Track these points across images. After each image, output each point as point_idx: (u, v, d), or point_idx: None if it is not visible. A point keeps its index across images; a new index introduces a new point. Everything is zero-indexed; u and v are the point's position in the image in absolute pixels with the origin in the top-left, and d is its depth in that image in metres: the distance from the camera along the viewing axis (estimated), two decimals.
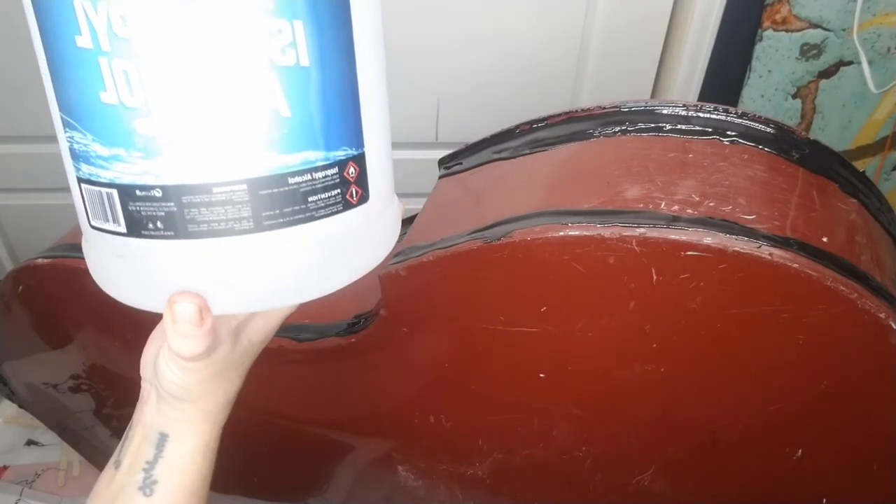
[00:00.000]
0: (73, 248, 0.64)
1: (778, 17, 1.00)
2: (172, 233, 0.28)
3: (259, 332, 0.36)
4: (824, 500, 0.56)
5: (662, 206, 0.47)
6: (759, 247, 0.44)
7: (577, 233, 0.47)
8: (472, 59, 1.03)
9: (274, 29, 0.27)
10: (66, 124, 0.29)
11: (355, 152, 0.31)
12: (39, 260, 0.64)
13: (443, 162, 0.65)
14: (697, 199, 0.48)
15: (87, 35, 0.26)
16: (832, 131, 1.13)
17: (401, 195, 0.37)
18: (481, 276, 0.51)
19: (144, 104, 0.27)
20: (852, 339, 0.46)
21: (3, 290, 0.69)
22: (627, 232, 0.46)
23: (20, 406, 0.86)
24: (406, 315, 0.56)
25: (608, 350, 0.52)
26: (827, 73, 1.06)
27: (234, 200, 0.28)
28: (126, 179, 0.28)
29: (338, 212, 0.30)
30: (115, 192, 0.28)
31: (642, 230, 0.45)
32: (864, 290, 0.45)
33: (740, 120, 0.53)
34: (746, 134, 0.53)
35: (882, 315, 0.45)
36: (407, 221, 0.60)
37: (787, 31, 1.01)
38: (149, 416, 0.36)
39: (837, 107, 1.10)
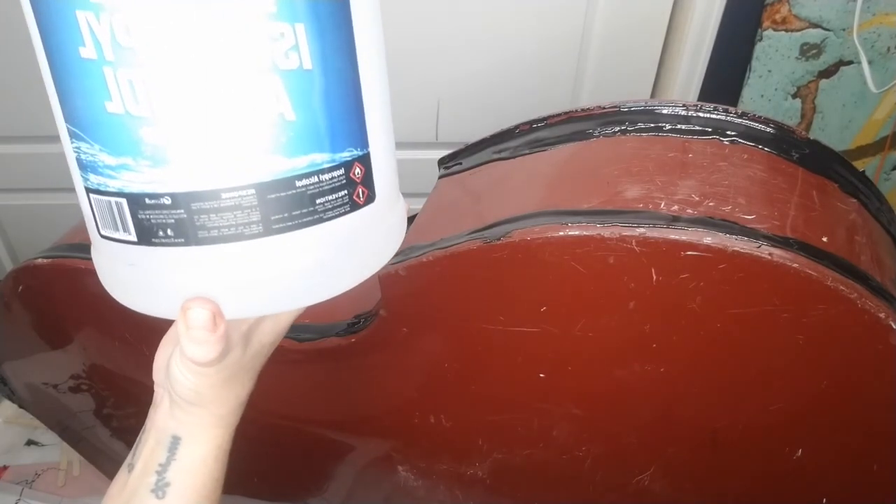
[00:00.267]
0: (73, 248, 0.64)
1: (778, 16, 1.00)
2: (183, 240, 0.28)
3: (269, 335, 0.36)
4: (824, 500, 0.56)
5: (662, 206, 0.47)
6: (759, 247, 0.44)
7: (577, 233, 0.47)
8: (472, 59, 1.03)
9: (276, 33, 0.27)
10: (72, 135, 0.29)
11: (360, 153, 0.31)
12: (39, 260, 0.64)
13: (443, 162, 0.65)
14: (697, 198, 0.48)
15: (90, 46, 0.26)
16: (832, 131, 1.13)
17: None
18: (481, 276, 0.51)
19: (150, 113, 0.27)
20: (852, 339, 0.46)
21: (3, 290, 0.69)
22: (627, 232, 0.46)
23: (20, 406, 0.86)
24: (406, 315, 0.56)
25: (608, 350, 0.52)
26: (827, 73, 1.06)
27: (242, 205, 0.28)
28: (135, 188, 0.28)
29: (345, 213, 0.31)
30: (124, 202, 0.28)
31: (642, 230, 0.45)
32: (864, 290, 0.45)
33: (740, 120, 0.53)
34: (746, 134, 0.53)
35: (882, 315, 0.45)
36: (407, 221, 0.60)
37: (786, 30, 1.01)
38: (161, 419, 0.36)
39: (837, 107, 1.10)
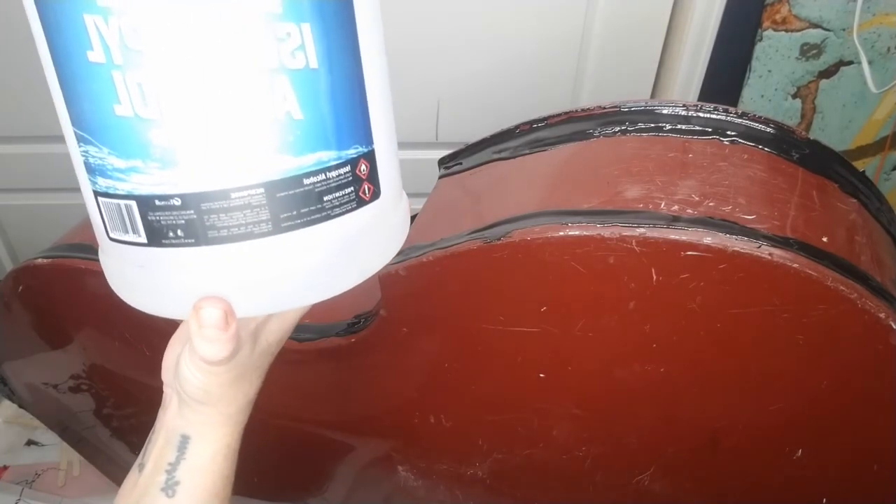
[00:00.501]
0: (73, 248, 0.64)
1: (778, 17, 1.00)
2: (193, 240, 0.29)
3: (275, 333, 0.37)
4: (824, 500, 0.56)
5: (662, 206, 0.47)
6: (759, 247, 0.44)
7: (577, 233, 0.47)
8: (472, 59, 1.03)
9: (283, 33, 0.27)
10: (79, 139, 0.29)
11: (366, 149, 0.31)
12: (39, 260, 0.64)
13: (443, 162, 0.65)
14: (697, 199, 0.48)
15: (98, 49, 0.26)
16: (832, 131, 1.13)
17: None
18: (481, 276, 0.51)
19: (160, 115, 0.27)
20: (852, 339, 0.46)
21: (3, 290, 0.69)
22: (627, 232, 0.46)
23: (20, 406, 0.86)
24: (406, 315, 0.56)
25: (608, 350, 0.52)
26: (827, 73, 1.06)
27: (252, 204, 0.28)
28: (144, 190, 0.28)
29: (352, 209, 0.31)
30: (133, 204, 0.29)
31: (642, 230, 0.45)
32: (864, 290, 0.45)
33: (740, 120, 0.53)
34: (746, 134, 0.53)
35: (882, 315, 0.45)
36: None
37: (787, 31, 1.01)
38: (170, 419, 0.36)
39: (837, 107, 1.10)
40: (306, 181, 0.29)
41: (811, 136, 0.54)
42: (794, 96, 1.08)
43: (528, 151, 0.58)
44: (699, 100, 0.92)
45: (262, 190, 0.28)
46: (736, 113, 0.53)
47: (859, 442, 0.53)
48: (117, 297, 0.33)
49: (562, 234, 0.47)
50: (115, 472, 0.91)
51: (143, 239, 0.29)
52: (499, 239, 0.49)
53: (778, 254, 0.44)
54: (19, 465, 1.10)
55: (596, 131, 0.56)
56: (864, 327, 0.45)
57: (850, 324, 0.45)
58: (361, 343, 0.59)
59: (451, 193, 0.61)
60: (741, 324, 0.47)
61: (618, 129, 0.55)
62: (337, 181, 0.30)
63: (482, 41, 1.01)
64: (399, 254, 0.54)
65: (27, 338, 0.75)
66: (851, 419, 0.51)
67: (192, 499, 0.36)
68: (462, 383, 0.59)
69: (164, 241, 0.29)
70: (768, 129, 0.53)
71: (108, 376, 0.74)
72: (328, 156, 0.29)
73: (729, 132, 0.53)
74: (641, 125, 0.54)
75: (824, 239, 0.47)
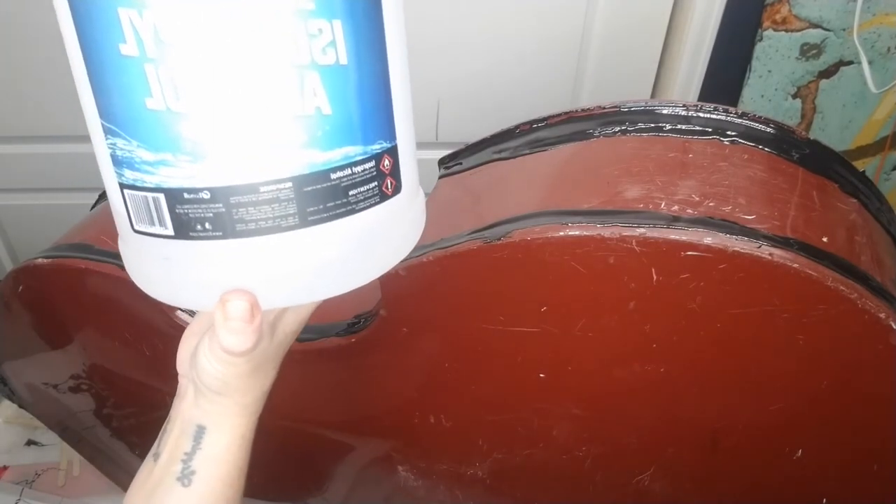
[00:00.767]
0: (73, 248, 0.64)
1: (778, 17, 1.00)
2: (221, 233, 0.29)
3: (292, 325, 0.37)
4: (824, 500, 0.56)
5: (662, 206, 0.47)
6: (759, 247, 0.44)
7: (577, 233, 0.47)
8: (472, 59, 1.03)
9: (315, 29, 0.27)
10: (107, 131, 0.29)
11: (389, 145, 0.32)
12: (39, 260, 0.64)
13: (443, 162, 0.65)
14: (697, 199, 0.48)
15: (132, 43, 0.26)
16: (832, 131, 1.13)
17: None
18: (481, 276, 0.51)
19: (192, 109, 0.27)
20: (852, 339, 0.46)
21: (3, 290, 0.69)
22: (627, 232, 0.46)
23: (20, 406, 0.86)
24: (406, 315, 0.56)
25: (608, 350, 0.52)
26: (827, 73, 1.06)
27: (280, 198, 0.29)
28: (173, 183, 0.28)
29: (376, 203, 0.31)
30: (161, 196, 0.29)
31: (642, 230, 0.45)
32: (864, 290, 0.45)
33: (740, 120, 0.53)
34: (746, 134, 0.53)
35: (882, 315, 0.45)
36: None
37: (787, 31, 1.01)
38: (187, 410, 0.37)
39: (837, 107, 1.10)
40: (333, 175, 0.29)
41: (811, 136, 0.54)
42: (794, 96, 1.08)
43: (528, 151, 0.58)
44: (699, 100, 0.92)
45: (290, 184, 0.29)
46: (736, 113, 0.53)
47: (859, 442, 0.53)
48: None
49: (562, 234, 0.47)
50: (115, 472, 0.91)
51: (171, 231, 0.29)
52: (499, 239, 0.49)
53: (778, 254, 0.44)
54: (19, 465, 1.10)
55: (596, 131, 0.56)
56: (864, 327, 0.45)
57: (850, 324, 0.45)
58: (361, 343, 0.59)
59: (451, 193, 0.61)
60: (741, 324, 0.47)
61: (618, 129, 0.55)
62: (362, 176, 0.30)
63: (482, 41, 1.01)
64: None
65: (27, 338, 0.75)
66: (851, 419, 0.51)
67: (207, 488, 0.36)
68: (462, 383, 0.59)
69: (191, 233, 0.29)
70: (768, 129, 0.53)
71: (108, 376, 0.74)
72: (354, 151, 0.30)
73: (729, 132, 0.53)
74: (641, 125, 0.54)
75: (824, 239, 0.47)
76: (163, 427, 0.38)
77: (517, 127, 0.60)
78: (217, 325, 0.31)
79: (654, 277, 0.47)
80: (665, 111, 0.54)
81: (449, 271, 0.52)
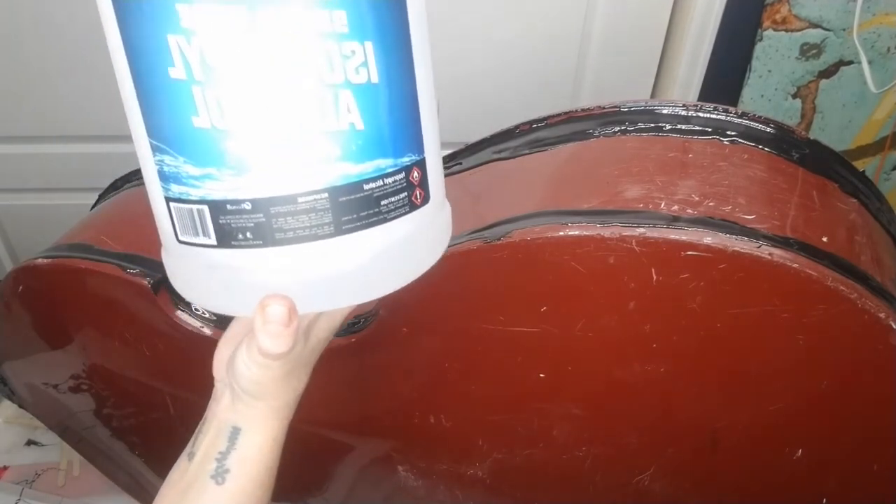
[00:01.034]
0: (73, 248, 0.64)
1: (778, 16, 1.00)
2: (261, 241, 0.31)
3: (325, 330, 0.39)
4: (824, 500, 0.56)
5: (662, 205, 0.47)
6: (759, 247, 0.44)
7: (577, 233, 0.47)
8: (472, 59, 1.03)
9: (348, 51, 0.29)
10: (155, 149, 0.31)
11: (418, 157, 0.34)
12: (39, 260, 0.64)
13: (443, 162, 0.65)
14: (697, 198, 0.48)
15: (180, 67, 0.28)
16: (832, 131, 1.13)
17: None
18: (481, 276, 0.51)
19: (236, 126, 0.29)
20: (852, 339, 0.46)
21: (3, 290, 0.69)
22: (627, 232, 0.46)
23: (20, 406, 0.86)
24: (406, 315, 0.56)
25: (608, 350, 0.52)
26: (827, 73, 1.06)
27: (317, 208, 0.31)
28: (217, 195, 0.30)
29: (406, 213, 0.33)
30: (206, 208, 0.31)
31: (642, 230, 0.45)
32: (864, 290, 0.45)
33: (740, 120, 0.53)
34: (746, 134, 0.53)
35: (882, 315, 0.45)
36: None
37: (787, 30, 1.01)
38: (223, 412, 0.38)
39: (837, 107, 1.10)
40: (366, 186, 0.31)
41: (811, 136, 0.54)
42: (794, 96, 1.08)
43: (528, 151, 0.58)
44: (699, 100, 0.92)
45: (326, 195, 0.30)
46: (736, 113, 0.53)
47: (859, 442, 0.53)
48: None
49: (562, 234, 0.47)
50: (115, 472, 0.91)
51: (213, 241, 0.31)
52: (499, 239, 0.49)
53: (778, 254, 0.44)
54: (19, 465, 1.10)
55: (596, 131, 0.56)
56: (864, 327, 0.45)
57: (850, 324, 0.45)
58: (361, 343, 0.59)
59: (450, 193, 0.61)
60: (741, 324, 0.47)
61: (618, 129, 0.55)
62: (393, 187, 0.32)
63: (482, 41, 1.01)
64: None
65: (27, 338, 0.75)
66: (851, 419, 0.51)
67: (239, 486, 0.38)
68: (462, 383, 0.59)
69: (233, 242, 0.31)
70: (768, 129, 0.53)
71: (108, 376, 0.74)
72: (386, 163, 0.32)
73: (729, 132, 0.53)
74: (641, 125, 0.54)
75: (824, 239, 0.47)
76: (197, 428, 0.40)
77: (517, 127, 0.60)
78: (256, 328, 0.32)
79: (654, 277, 0.47)
80: (665, 111, 0.54)
81: (449, 271, 0.52)
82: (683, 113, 0.54)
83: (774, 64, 1.04)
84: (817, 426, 0.52)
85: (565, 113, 0.58)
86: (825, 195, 0.52)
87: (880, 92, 1.06)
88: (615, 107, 0.56)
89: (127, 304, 0.61)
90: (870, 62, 1.03)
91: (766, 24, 1.00)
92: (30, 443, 1.14)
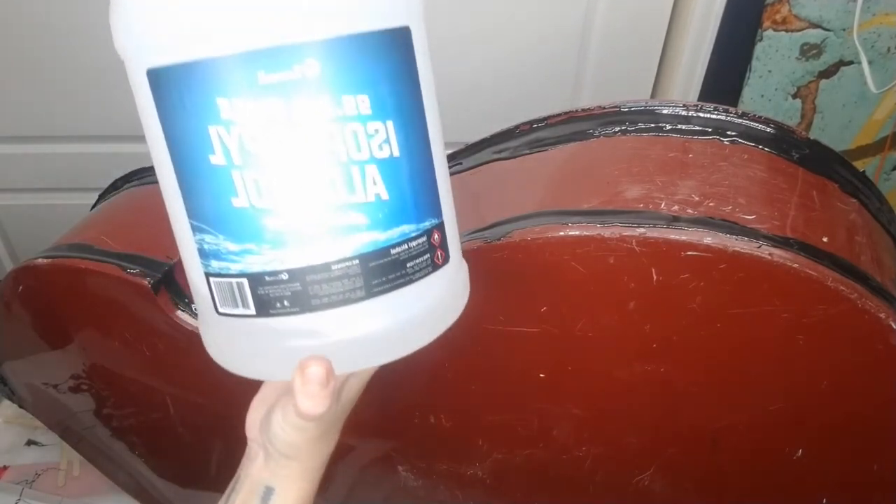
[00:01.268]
0: (73, 248, 0.64)
1: (778, 16, 1.00)
2: (298, 308, 0.33)
3: (353, 390, 0.41)
4: (824, 501, 0.56)
5: (662, 206, 0.47)
6: (759, 247, 0.44)
7: (577, 233, 0.47)
8: (471, 59, 1.03)
9: (372, 130, 0.32)
10: (195, 229, 0.33)
11: (437, 221, 0.36)
12: (39, 260, 0.64)
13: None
14: (697, 199, 0.48)
15: (220, 154, 0.31)
16: (832, 131, 1.13)
17: None
18: (481, 276, 0.51)
19: (273, 204, 0.31)
20: (852, 339, 0.46)
21: (3, 290, 0.69)
22: (627, 232, 0.46)
23: (20, 406, 0.86)
24: None
25: (608, 350, 0.52)
26: (827, 73, 1.06)
27: (349, 274, 0.33)
28: (255, 268, 0.32)
29: (429, 273, 0.35)
30: (245, 281, 0.33)
31: (642, 230, 0.45)
32: (864, 290, 0.45)
33: (740, 120, 0.53)
34: (746, 134, 0.53)
35: (882, 315, 0.45)
36: None
37: (787, 31, 1.01)
38: (257, 471, 0.40)
39: (837, 107, 1.10)
40: (393, 251, 0.33)
41: (811, 136, 0.54)
42: (794, 96, 1.08)
43: (528, 151, 0.58)
44: (699, 100, 0.92)
45: (357, 261, 0.32)
46: (736, 113, 0.53)
47: (859, 442, 0.53)
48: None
49: (562, 234, 0.47)
50: (115, 472, 0.91)
51: (252, 311, 0.33)
52: (499, 239, 0.49)
53: (778, 254, 0.44)
54: (19, 465, 1.10)
55: (596, 131, 0.56)
56: (864, 327, 0.45)
57: (850, 324, 0.45)
58: None
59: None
60: (741, 324, 0.47)
61: (618, 129, 0.55)
62: (417, 250, 0.34)
63: (482, 41, 1.01)
64: None
65: (27, 338, 0.75)
66: (851, 419, 0.51)
67: None
68: (462, 383, 0.59)
69: (271, 311, 0.33)
70: (768, 129, 0.53)
71: (108, 376, 0.74)
72: (409, 229, 0.34)
73: (729, 132, 0.53)
74: (641, 125, 0.54)
75: (824, 239, 0.47)
76: (230, 486, 0.41)
77: (517, 127, 0.60)
78: (296, 389, 0.33)
79: (654, 277, 0.47)
80: (665, 111, 0.54)
81: None
82: (683, 113, 0.54)
83: (774, 64, 1.04)
84: (817, 426, 0.52)
85: (565, 113, 0.58)
86: (825, 195, 0.52)
87: (880, 92, 1.06)
88: (615, 107, 0.56)
89: (127, 304, 0.61)
90: (870, 62, 1.03)
91: (767, 24, 1.00)
92: (30, 443, 1.14)
